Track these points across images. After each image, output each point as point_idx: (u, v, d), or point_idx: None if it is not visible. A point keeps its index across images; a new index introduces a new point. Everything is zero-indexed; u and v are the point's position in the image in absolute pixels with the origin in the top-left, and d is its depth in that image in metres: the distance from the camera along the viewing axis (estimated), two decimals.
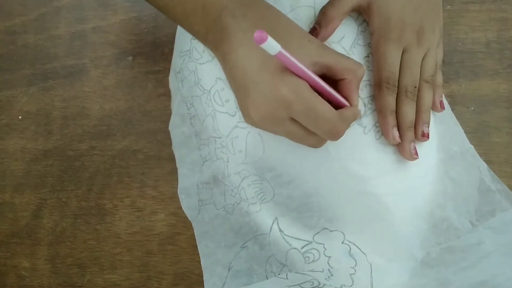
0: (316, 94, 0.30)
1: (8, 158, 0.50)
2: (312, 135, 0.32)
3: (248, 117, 0.32)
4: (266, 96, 0.30)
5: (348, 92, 0.33)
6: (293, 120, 0.31)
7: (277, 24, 0.31)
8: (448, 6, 0.46)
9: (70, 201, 0.48)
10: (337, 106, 0.33)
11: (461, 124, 0.41)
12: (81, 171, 0.48)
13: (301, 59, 0.29)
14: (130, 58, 0.50)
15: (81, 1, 0.52)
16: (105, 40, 0.51)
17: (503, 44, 0.45)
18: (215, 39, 0.32)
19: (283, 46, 0.26)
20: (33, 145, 0.50)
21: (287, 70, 0.29)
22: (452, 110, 0.42)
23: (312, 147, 0.34)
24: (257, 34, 0.24)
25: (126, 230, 0.46)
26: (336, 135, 0.32)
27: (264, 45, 0.25)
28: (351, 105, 0.33)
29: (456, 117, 0.41)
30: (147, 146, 0.48)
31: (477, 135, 0.43)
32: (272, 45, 0.25)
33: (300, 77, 0.30)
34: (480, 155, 0.40)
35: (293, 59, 0.28)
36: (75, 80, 0.50)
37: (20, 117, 0.51)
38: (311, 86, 0.31)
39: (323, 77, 0.32)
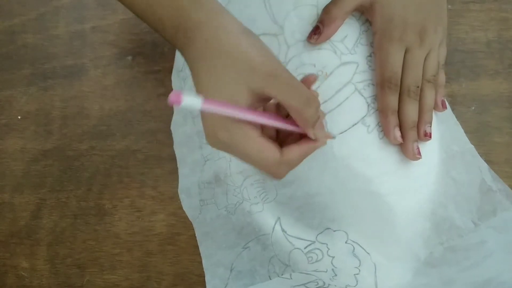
0: (253, 138, 0.29)
1: (8, 158, 0.50)
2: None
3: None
4: (208, 134, 0.29)
5: (302, 127, 0.30)
6: None
7: (218, 53, 0.28)
8: (449, 6, 0.46)
9: (70, 201, 0.48)
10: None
11: (461, 124, 0.41)
12: (81, 171, 0.48)
13: (238, 97, 0.27)
14: (129, 57, 0.50)
15: (81, 1, 0.52)
16: (104, 40, 0.50)
17: (503, 44, 0.45)
18: (180, 42, 0.31)
19: (218, 78, 0.25)
20: (32, 145, 0.50)
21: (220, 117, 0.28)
22: (453, 110, 0.42)
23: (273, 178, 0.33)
24: (172, 97, 0.22)
25: (126, 230, 0.46)
26: (276, 177, 0.31)
27: (183, 105, 0.23)
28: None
29: (456, 117, 0.41)
30: (146, 146, 0.47)
31: (477, 135, 0.43)
32: (192, 102, 0.23)
33: (238, 119, 0.28)
34: (480, 155, 0.40)
35: (222, 105, 0.26)
36: (75, 80, 0.50)
37: (19, 117, 0.51)
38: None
39: None
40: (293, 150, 0.30)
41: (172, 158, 0.45)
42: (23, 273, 0.48)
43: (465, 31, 0.45)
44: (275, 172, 0.30)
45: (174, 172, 0.45)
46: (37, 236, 0.48)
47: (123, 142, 0.48)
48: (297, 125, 0.30)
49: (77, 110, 0.50)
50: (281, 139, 0.33)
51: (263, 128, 0.31)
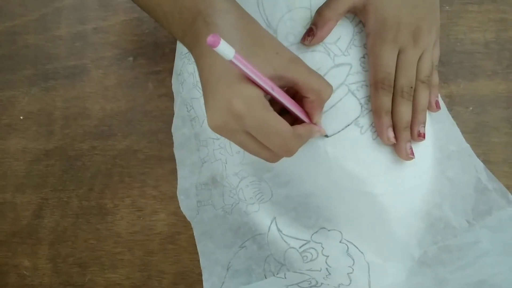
0: (270, 108, 0.29)
1: (10, 158, 0.51)
2: (266, 149, 0.31)
3: (208, 123, 0.31)
4: (219, 107, 0.29)
5: (311, 110, 0.32)
6: (246, 133, 0.30)
7: (246, 34, 0.30)
8: (447, 7, 0.46)
9: (71, 200, 0.48)
10: (297, 119, 0.32)
11: (459, 124, 0.41)
12: (82, 171, 0.49)
13: (263, 71, 0.28)
14: (131, 58, 0.50)
15: (82, 2, 0.52)
16: (106, 41, 0.51)
17: (501, 45, 0.45)
18: (190, 42, 0.32)
19: (247, 56, 0.26)
20: (34, 145, 0.50)
21: (244, 81, 0.29)
22: (451, 110, 0.42)
23: (267, 161, 0.34)
24: (210, 38, 0.24)
25: (127, 229, 0.47)
26: (288, 152, 0.31)
27: (217, 49, 0.24)
28: (311, 121, 0.33)
29: (454, 118, 0.41)
30: (147, 146, 0.48)
31: (476, 135, 0.43)
32: (225, 50, 0.25)
33: (257, 86, 0.29)
34: (479, 155, 0.40)
35: (249, 66, 0.27)
36: (76, 81, 0.51)
37: (21, 117, 0.51)
38: (271, 97, 0.30)
39: (290, 90, 0.32)
40: (301, 127, 0.32)
41: (173, 158, 0.45)
42: (25, 272, 0.48)
43: (463, 32, 0.45)
44: (289, 144, 0.31)
45: (174, 172, 0.45)
46: (39, 235, 0.48)
47: (124, 142, 0.48)
48: (303, 113, 0.33)
49: (78, 110, 0.50)
50: None
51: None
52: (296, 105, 0.32)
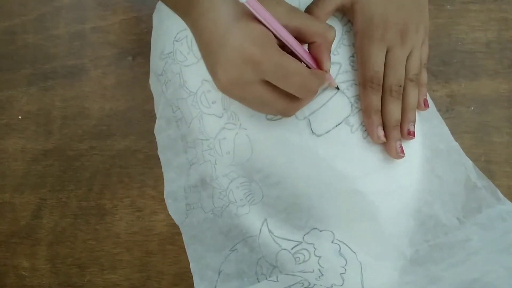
0: (283, 51, 0.30)
1: (8, 158, 0.50)
2: (282, 98, 0.31)
3: (218, 83, 0.31)
4: (233, 59, 0.29)
5: (319, 55, 0.32)
6: (262, 83, 0.30)
7: None
8: (448, 6, 0.46)
9: (70, 201, 0.48)
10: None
11: (461, 124, 0.41)
12: (81, 171, 0.48)
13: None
14: (130, 58, 0.50)
15: (81, 1, 0.52)
16: (104, 40, 0.51)
17: (503, 44, 0.45)
18: (184, 5, 0.32)
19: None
20: (33, 145, 0.50)
21: (255, 27, 0.29)
22: (452, 110, 0.42)
23: (282, 115, 0.34)
24: None
25: (126, 230, 0.46)
26: (309, 92, 0.31)
27: None
28: (321, 68, 0.33)
29: (456, 117, 0.41)
30: (147, 146, 0.48)
31: (477, 135, 0.43)
32: None
33: (269, 30, 0.29)
34: (480, 155, 0.40)
35: (262, 9, 0.28)
36: (75, 80, 0.50)
37: (20, 117, 0.51)
38: (282, 45, 0.31)
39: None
40: (316, 70, 0.32)
41: None
42: (23, 273, 0.48)
43: (465, 31, 0.45)
44: (310, 82, 0.31)
45: None
46: (37, 235, 0.48)
47: (123, 142, 0.48)
48: (314, 61, 0.33)
49: (77, 110, 0.50)
50: None
51: None
52: (306, 52, 0.32)
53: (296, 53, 0.32)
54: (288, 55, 0.30)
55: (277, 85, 0.30)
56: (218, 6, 0.29)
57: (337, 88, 0.37)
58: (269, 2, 0.30)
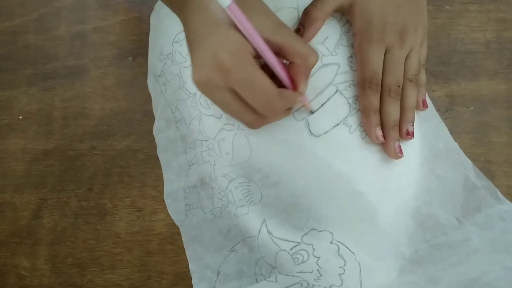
0: (256, 65, 0.29)
1: (9, 158, 0.50)
2: (248, 111, 0.31)
3: (193, 80, 0.31)
4: (205, 60, 0.29)
5: (296, 76, 0.32)
6: (231, 91, 0.30)
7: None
8: (448, 7, 0.46)
9: (71, 201, 0.48)
10: (281, 85, 0.32)
11: (460, 124, 0.41)
12: (82, 171, 0.48)
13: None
14: (130, 58, 0.50)
15: (82, 2, 0.52)
16: (105, 40, 0.51)
17: (502, 44, 0.45)
18: (178, 3, 0.32)
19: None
20: (33, 145, 0.50)
21: (234, 35, 0.29)
22: (452, 110, 0.42)
23: (248, 126, 0.33)
24: None
25: (126, 230, 0.47)
26: (272, 111, 0.31)
27: None
28: (295, 89, 0.32)
29: (455, 117, 0.41)
30: (147, 146, 0.48)
31: (476, 135, 0.43)
32: None
33: (248, 40, 0.29)
34: (479, 155, 0.40)
35: (243, 18, 0.27)
36: (76, 80, 0.50)
37: (20, 117, 0.51)
38: (258, 56, 0.30)
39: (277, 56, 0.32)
40: (286, 90, 0.31)
41: None
42: (24, 273, 0.48)
43: (464, 31, 0.45)
44: (274, 102, 0.30)
45: None
46: (38, 235, 0.48)
47: (124, 142, 0.48)
48: (289, 78, 0.32)
49: (78, 110, 0.50)
50: None
51: None
52: (282, 68, 0.32)
53: (272, 68, 0.31)
54: (260, 70, 0.29)
55: (243, 97, 0.30)
56: (206, 6, 0.29)
57: (311, 112, 0.36)
58: (257, 14, 0.30)
